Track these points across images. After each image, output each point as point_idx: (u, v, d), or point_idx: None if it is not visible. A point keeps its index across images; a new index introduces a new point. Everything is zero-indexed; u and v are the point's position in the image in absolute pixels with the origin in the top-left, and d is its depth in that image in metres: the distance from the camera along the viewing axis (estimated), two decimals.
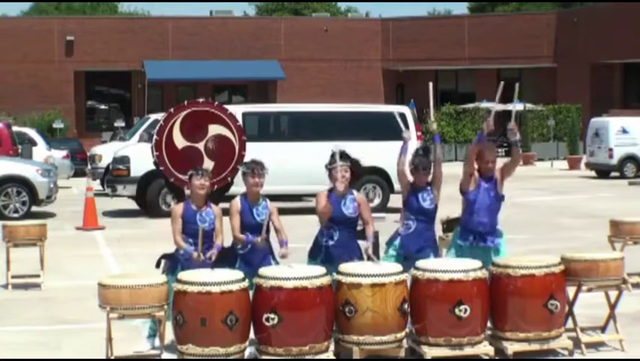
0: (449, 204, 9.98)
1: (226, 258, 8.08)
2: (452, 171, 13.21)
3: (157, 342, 7.78)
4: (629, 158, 28.76)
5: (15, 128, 24.48)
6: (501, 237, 8.30)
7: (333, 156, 8.03)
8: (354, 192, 8.09)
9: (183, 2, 77.61)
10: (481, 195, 8.19)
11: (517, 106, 8.69)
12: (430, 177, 8.23)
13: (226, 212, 7.87)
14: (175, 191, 8.76)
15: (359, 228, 8.32)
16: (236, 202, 7.93)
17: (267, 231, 7.91)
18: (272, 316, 6.97)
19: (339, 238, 7.90)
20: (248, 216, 7.89)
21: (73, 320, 9.37)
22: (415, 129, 19.50)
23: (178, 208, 7.88)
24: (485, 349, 7.46)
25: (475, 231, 8.17)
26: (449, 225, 9.55)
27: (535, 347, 7.54)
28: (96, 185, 21.78)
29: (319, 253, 7.91)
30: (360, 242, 8.04)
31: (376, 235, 8.75)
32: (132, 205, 19.45)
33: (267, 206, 7.96)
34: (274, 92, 42.42)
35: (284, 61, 42.33)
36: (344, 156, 7.97)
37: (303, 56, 42.78)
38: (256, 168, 7.95)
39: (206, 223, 7.76)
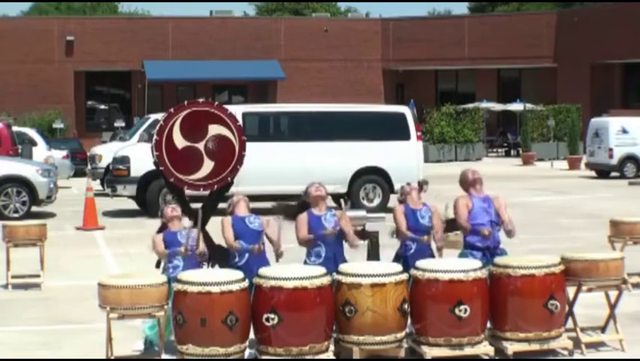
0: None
1: (224, 257, 8.10)
2: (452, 171, 13.20)
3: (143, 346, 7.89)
4: (629, 158, 28.71)
5: (15, 128, 24.42)
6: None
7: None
8: (332, 209, 8.19)
9: (183, 2, 77.56)
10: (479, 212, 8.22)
11: None
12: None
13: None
14: (175, 191, 8.76)
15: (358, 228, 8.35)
16: (227, 217, 8.04)
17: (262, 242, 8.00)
18: (272, 316, 6.97)
19: (327, 253, 7.91)
20: (241, 225, 7.93)
21: (74, 320, 9.37)
22: (415, 129, 19.52)
23: (158, 236, 8.03)
24: (485, 349, 7.46)
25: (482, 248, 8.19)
26: (449, 225, 9.53)
27: (535, 347, 7.54)
28: (96, 185, 21.76)
29: None
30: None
31: (376, 235, 8.76)
32: (132, 205, 19.43)
33: (258, 217, 8.06)
34: (274, 92, 42.37)
35: (284, 61, 42.28)
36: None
37: (303, 56, 42.72)
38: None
39: (189, 239, 7.90)
